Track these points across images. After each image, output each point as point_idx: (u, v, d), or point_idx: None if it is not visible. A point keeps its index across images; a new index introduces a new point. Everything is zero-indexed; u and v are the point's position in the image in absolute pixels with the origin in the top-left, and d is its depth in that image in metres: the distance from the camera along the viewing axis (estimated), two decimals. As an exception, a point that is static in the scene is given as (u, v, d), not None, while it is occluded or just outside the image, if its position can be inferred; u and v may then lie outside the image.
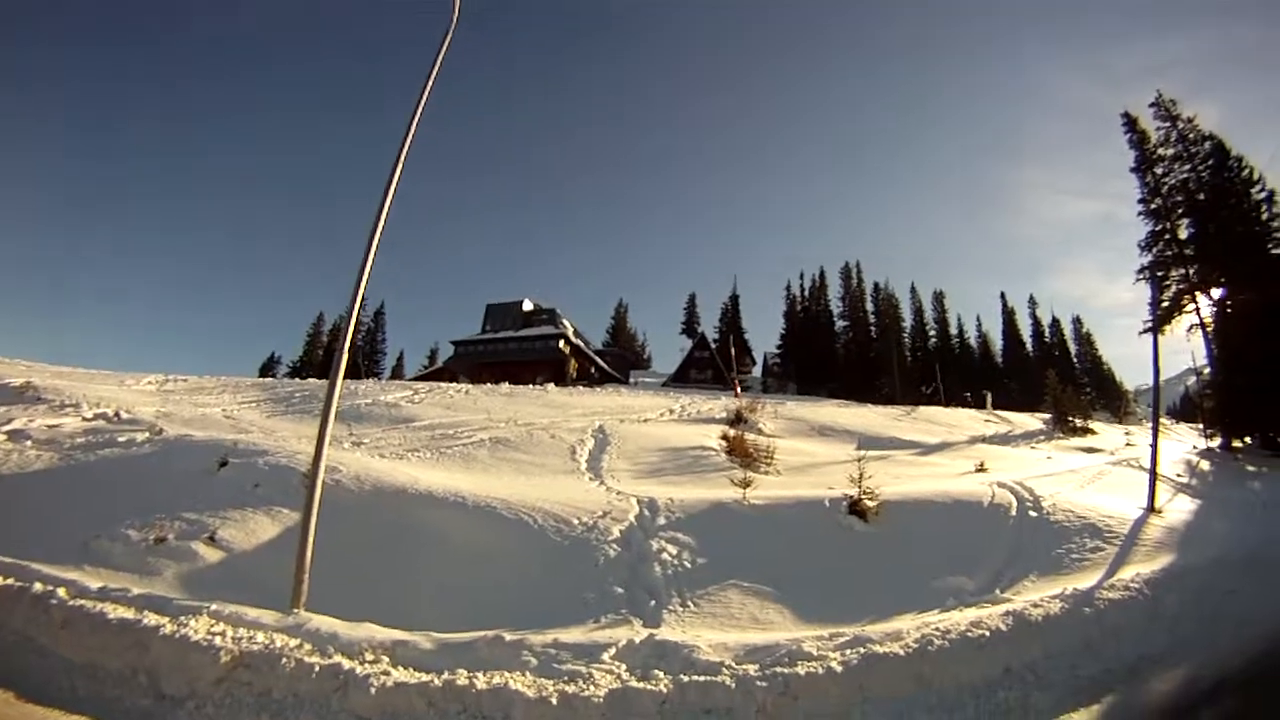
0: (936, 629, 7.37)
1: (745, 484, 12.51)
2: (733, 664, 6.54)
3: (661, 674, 6.23)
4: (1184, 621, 8.46)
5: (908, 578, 9.72)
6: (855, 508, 11.56)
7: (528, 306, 71.52)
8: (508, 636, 6.74)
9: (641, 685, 6.02)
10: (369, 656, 6.34)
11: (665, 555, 9.83)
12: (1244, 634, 8.17)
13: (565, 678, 6.11)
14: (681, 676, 6.20)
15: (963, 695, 6.52)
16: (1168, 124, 34.30)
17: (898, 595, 9.06)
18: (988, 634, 7.31)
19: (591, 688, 5.96)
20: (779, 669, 6.44)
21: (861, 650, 6.83)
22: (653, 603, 8.61)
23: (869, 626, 7.72)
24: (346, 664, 6.11)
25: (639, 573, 9.36)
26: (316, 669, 6.02)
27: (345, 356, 9.28)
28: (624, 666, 6.37)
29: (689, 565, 9.67)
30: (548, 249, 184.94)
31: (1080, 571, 10.17)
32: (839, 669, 6.49)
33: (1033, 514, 12.30)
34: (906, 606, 8.69)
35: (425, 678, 5.97)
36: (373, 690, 5.76)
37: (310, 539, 7.85)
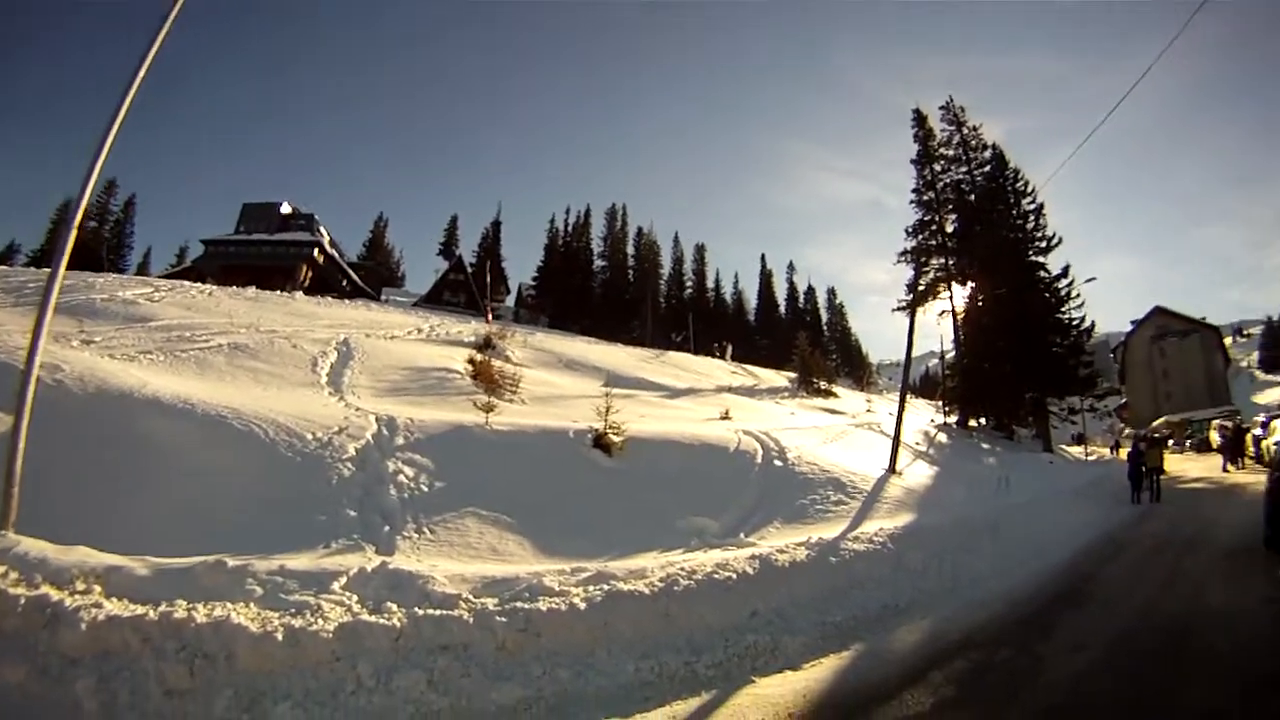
0: (682, 569, 7.30)
1: (488, 408, 12.13)
2: (470, 597, 6.14)
3: (395, 606, 5.81)
4: (927, 576, 9.06)
5: (652, 515, 9.72)
6: (600, 441, 11.51)
7: (285, 210, 66.73)
8: (231, 562, 6.11)
9: (374, 619, 5.59)
10: (80, 586, 5.54)
11: (402, 477, 9.23)
12: (984, 591, 8.85)
13: (292, 610, 5.59)
14: (416, 610, 5.81)
15: (711, 637, 6.45)
16: (954, 127, 38.22)
17: (642, 532, 9.01)
18: (734, 576, 7.35)
19: (320, 621, 5.45)
20: (520, 604, 6.10)
21: (605, 587, 6.62)
22: (387, 528, 8.06)
23: (612, 563, 7.54)
24: (55, 595, 5.28)
25: (374, 495, 8.72)
26: (22, 601, 5.17)
27: (73, 235, 7.85)
28: (355, 598, 5.92)
29: (426, 489, 9.13)
30: (314, 152, 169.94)
31: (825, 522, 10.67)
32: (583, 606, 6.24)
33: (778, 463, 12.85)
34: (650, 544, 8.65)
35: (140, 610, 5.25)
36: (83, 626, 4.97)
37: (21, 447, 6.80)
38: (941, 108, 38.54)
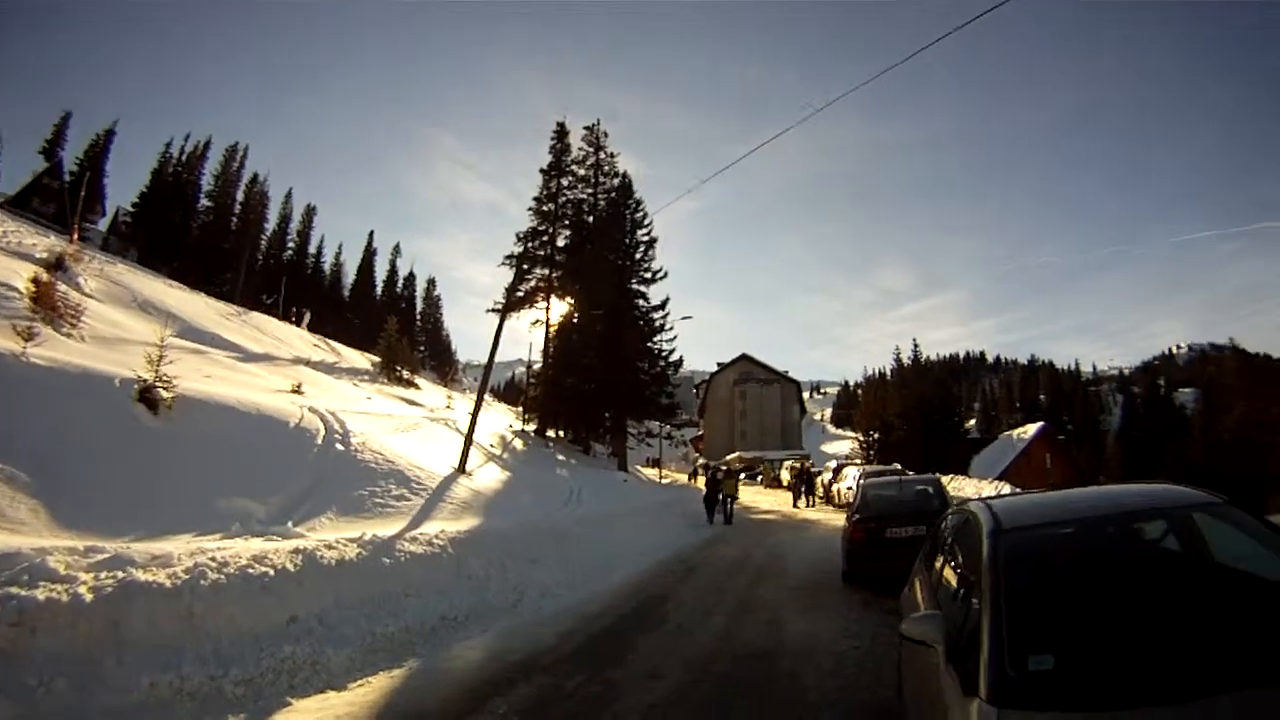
0: (213, 559, 6.40)
1: (29, 337, 10.08)
2: (-42, 579, 4.92)
3: None
4: (490, 585, 9.00)
5: (192, 491, 8.62)
6: (146, 395, 10.04)
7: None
8: None
9: None
10: None
11: (-94, 409, 7.25)
12: (552, 605, 8.93)
13: None
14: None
15: (243, 646, 5.75)
16: (592, 149, 39.52)
17: (178, 509, 7.92)
18: (273, 573, 6.65)
19: None
20: (15, 590, 4.97)
21: (120, 574, 5.59)
22: (-123, 475, 6.30)
23: (136, 544, 6.44)
24: None
25: None
26: None
27: None
28: None
29: (-67, 427, 7.24)
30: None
31: (384, 517, 10.25)
32: (89, 597, 5.21)
33: (339, 447, 12.18)
34: (184, 526, 7.60)
35: None
36: None
37: None
38: (586, 128, 39.70)
